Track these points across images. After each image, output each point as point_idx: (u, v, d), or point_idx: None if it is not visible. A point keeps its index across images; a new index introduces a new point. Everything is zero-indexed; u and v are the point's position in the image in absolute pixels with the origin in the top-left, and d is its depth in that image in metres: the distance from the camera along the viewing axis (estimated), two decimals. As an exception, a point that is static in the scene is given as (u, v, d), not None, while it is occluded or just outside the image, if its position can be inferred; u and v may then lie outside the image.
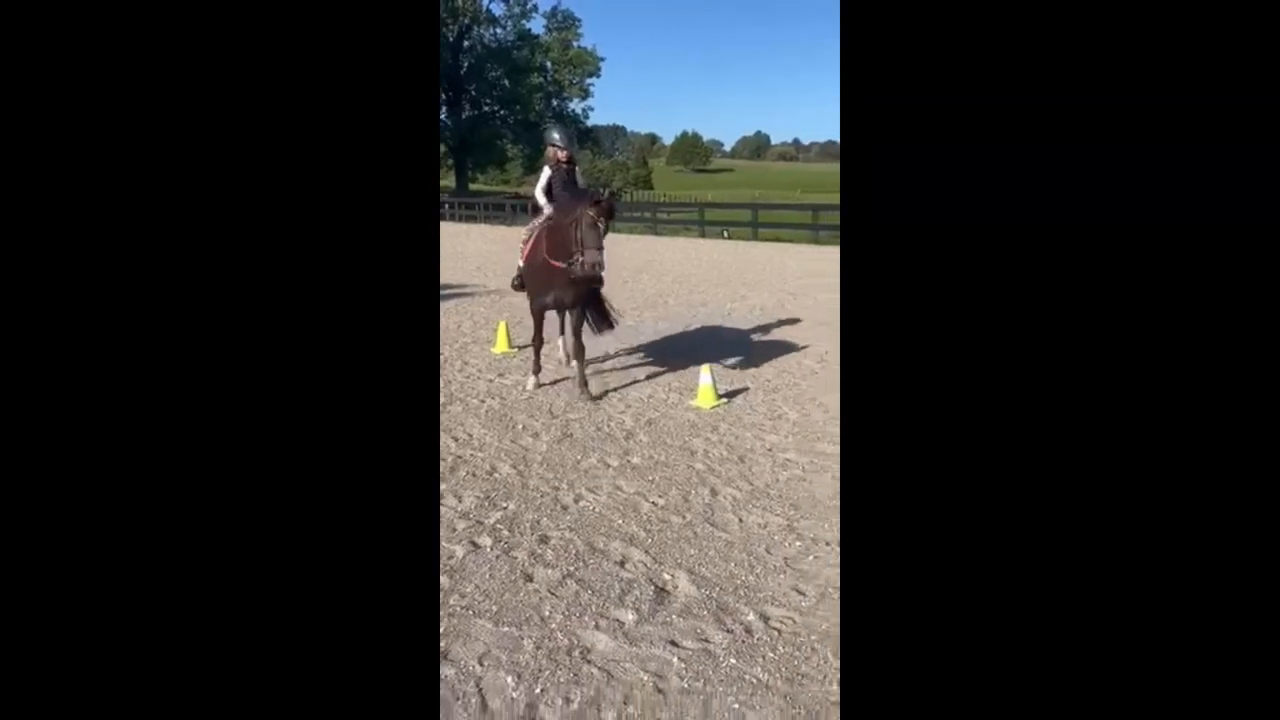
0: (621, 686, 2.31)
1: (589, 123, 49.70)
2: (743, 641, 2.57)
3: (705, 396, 5.26)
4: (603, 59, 53.32)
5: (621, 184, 46.31)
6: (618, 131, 55.39)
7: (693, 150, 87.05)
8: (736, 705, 2.24)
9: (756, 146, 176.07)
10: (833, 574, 3.00)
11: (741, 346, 7.22)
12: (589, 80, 51.90)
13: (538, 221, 5.56)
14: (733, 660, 2.46)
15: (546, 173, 5.67)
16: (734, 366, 6.42)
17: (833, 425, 4.65)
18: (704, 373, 5.36)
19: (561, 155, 5.65)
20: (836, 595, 2.86)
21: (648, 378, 6.14)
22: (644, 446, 4.49)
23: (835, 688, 2.32)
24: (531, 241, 5.50)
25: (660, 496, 3.78)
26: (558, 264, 5.03)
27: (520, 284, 5.89)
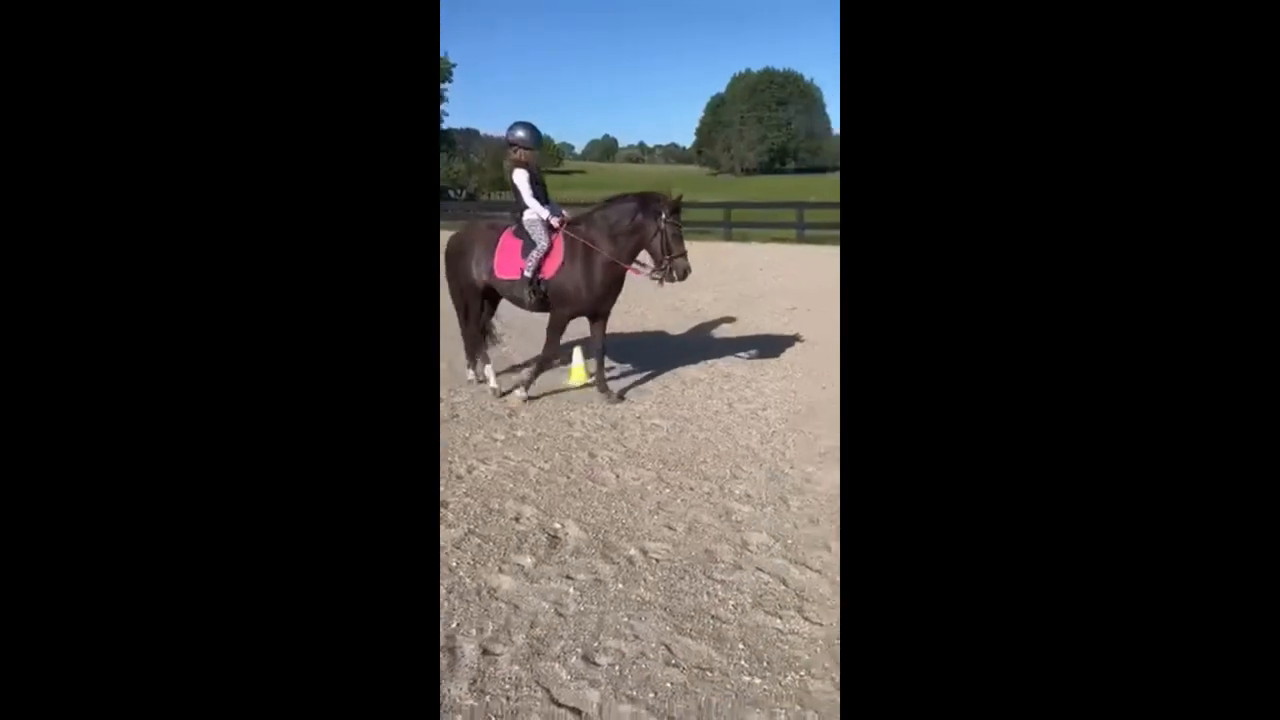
0: (527, 615, 2.58)
1: (443, 126, 48.65)
2: (627, 571, 2.91)
3: (577, 375, 5.57)
4: (454, 64, 52.36)
5: (478, 185, 45.47)
6: (472, 134, 54.28)
7: (546, 152, 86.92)
8: (625, 618, 2.58)
9: (605, 149, 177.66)
10: (698, 513, 3.40)
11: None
12: (442, 85, 50.66)
13: (538, 226, 4.82)
14: (620, 585, 2.80)
15: (524, 175, 4.89)
16: (749, 357, 6.40)
17: (690, 391, 5.09)
18: (576, 353, 5.66)
19: (529, 156, 4.96)
20: (703, 529, 3.26)
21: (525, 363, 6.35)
22: (526, 422, 4.74)
23: (705, 598, 2.71)
24: (558, 252, 4.80)
25: (545, 462, 4.06)
26: (634, 269, 4.83)
27: (541, 300, 4.92)
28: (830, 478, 3.81)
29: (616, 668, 2.30)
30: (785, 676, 2.28)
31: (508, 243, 4.99)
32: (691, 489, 3.69)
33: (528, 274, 4.79)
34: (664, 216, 4.64)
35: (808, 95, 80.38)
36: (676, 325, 7.94)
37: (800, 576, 2.87)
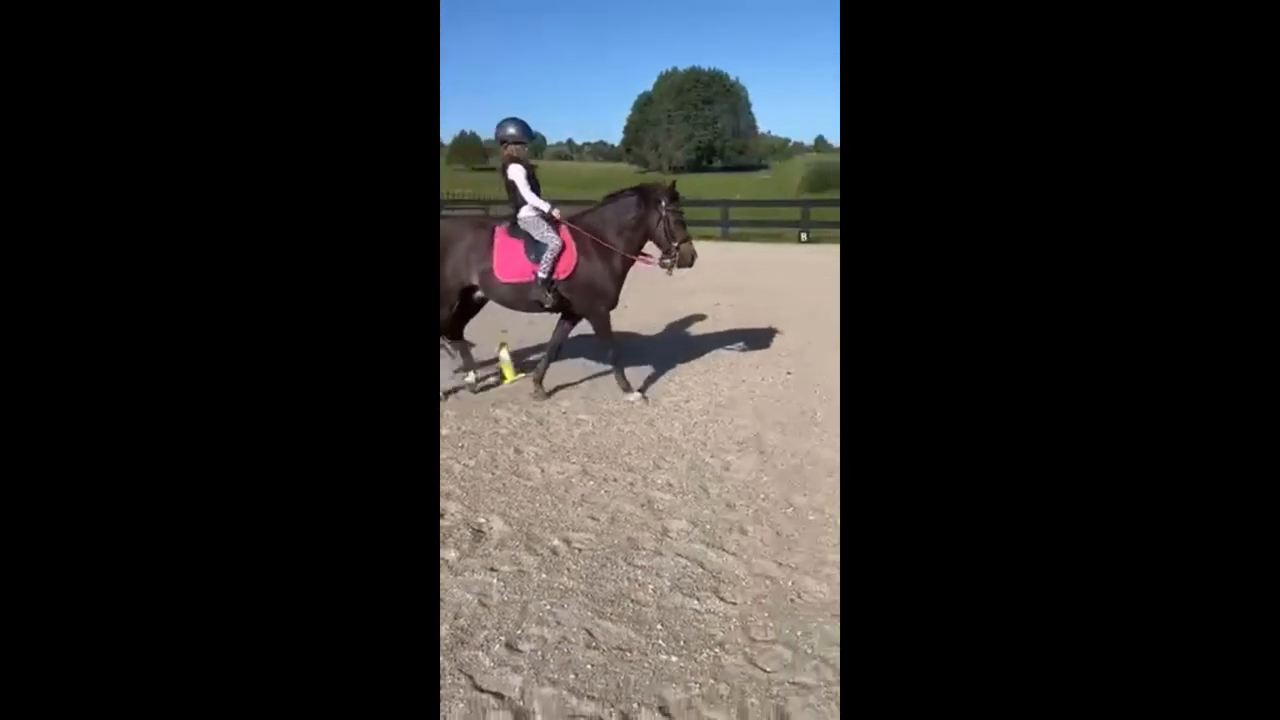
0: (451, 606, 2.61)
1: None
2: (550, 561, 2.96)
3: (506, 372, 5.57)
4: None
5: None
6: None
7: (471, 149, 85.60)
8: (548, 606, 2.63)
9: (533, 147, 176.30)
10: (621, 504, 3.48)
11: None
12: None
13: (543, 226, 4.66)
14: (543, 575, 2.85)
15: (522, 170, 4.73)
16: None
17: (615, 386, 5.16)
18: (502, 351, 5.66)
19: (521, 151, 4.83)
20: (625, 518, 3.34)
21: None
22: (450, 420, 4.73)
23: (626, 583, 2.79)
24: (571, 251, 4.67)
25: (471, 459, 4.07)
26: (643, 259, 4.78)
27: (558, 301, 4.78)
28: (747, 464, 3.95)
29: (539, 653, 2.36)
30: (701, 653, 2.38)
31: (504, 242, 4.70)
32: (615, 480, 3.76)
33: (543, 275, 4.56)
34: (664, 204, 4.63)
35: (733, 94, 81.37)
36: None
37: (717, 559, 2.98)
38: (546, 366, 5.15)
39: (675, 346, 6.75)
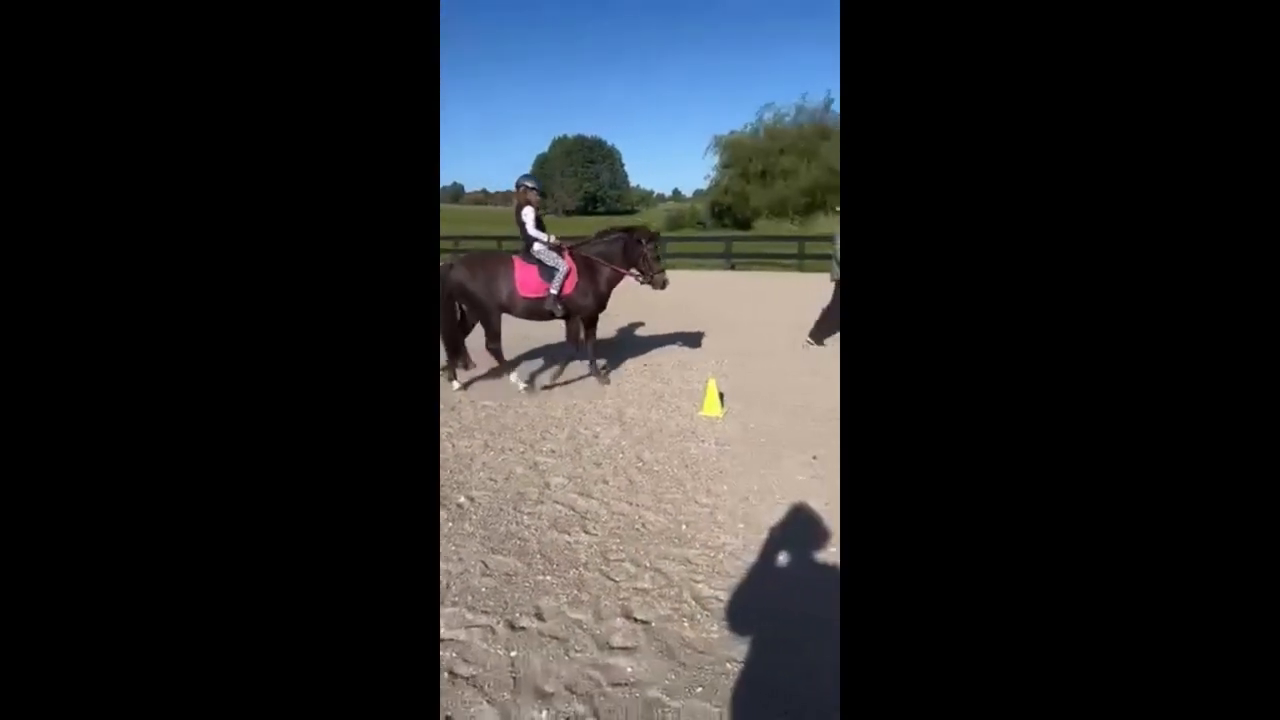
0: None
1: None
2: (456, 513, 2.94)
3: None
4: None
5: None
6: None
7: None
8: (453, 548, 2.62)
9: (454, 194, 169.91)
10: (514, 467, 3.49)
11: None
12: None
13: (553, 254, 4.85)
14: (450, 524, 2.83)
15: (532, 212, 4.89)
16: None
17: (516, 376, 5.12)
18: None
19: (535, 197, 5.02)
20: (517, 478, 3.35)
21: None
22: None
23: (515, 526, 2.82)
24: (574, 273, 4.86)
25: (394, 439, 3.94)
26: (628, 272, 5.01)
27: (568, 311, 4.97)
28: (611, 433, 4.05)
29: (445, 583, 2.35)
30: (569, 572, 2.45)
31: (522, 268, 4.85)
32: (510, 450, 3.77)
33: (554, 292, 4.80)
34: (644, 243, 4.89)
35: (610, 156, 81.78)
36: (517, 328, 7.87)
37: (584, 504, 3.05)
38: (593, 357, 5.29)
39: (568, 345, 6.76)
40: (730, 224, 30.24)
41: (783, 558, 2.56)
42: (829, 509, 2.93)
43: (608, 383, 5.15)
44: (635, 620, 2.15)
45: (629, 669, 1.92)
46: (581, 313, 5.01)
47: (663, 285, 4.96)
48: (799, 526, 2.79)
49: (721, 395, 4.50)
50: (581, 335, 5.19)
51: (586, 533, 2.77)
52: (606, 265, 4.97)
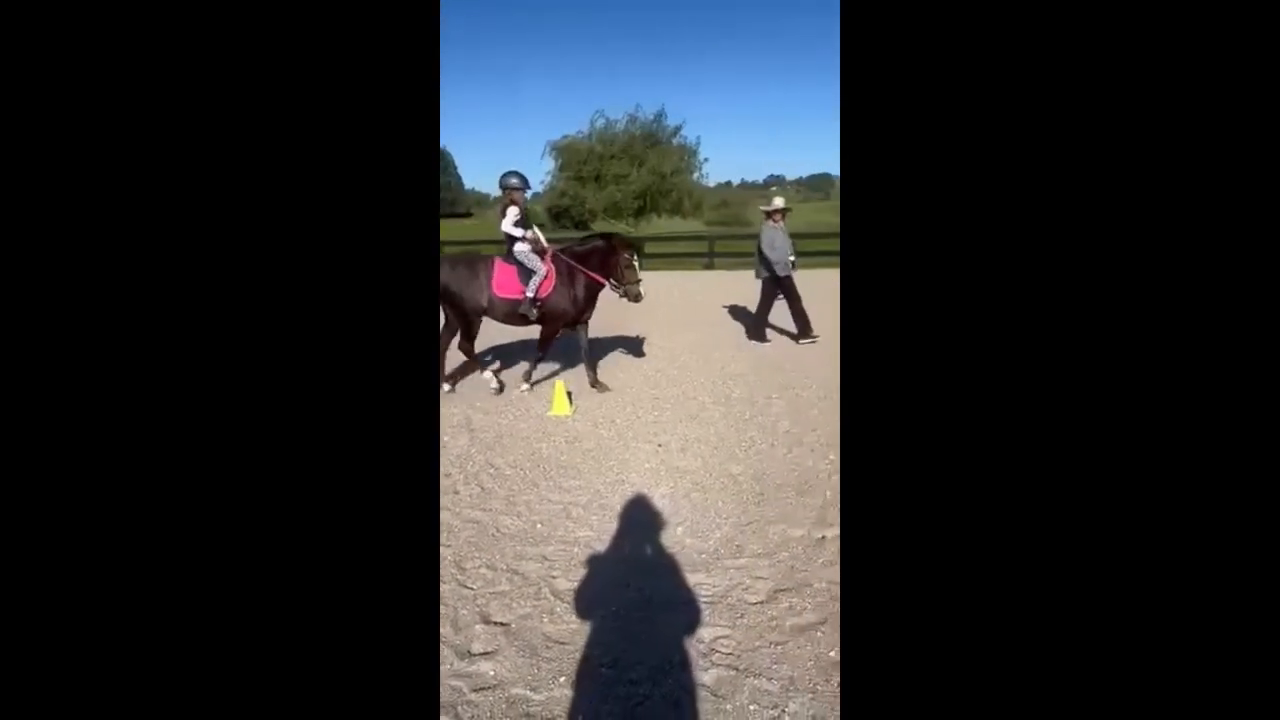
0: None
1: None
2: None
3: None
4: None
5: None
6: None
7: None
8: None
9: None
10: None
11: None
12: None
13: (534, 256, 4.63)
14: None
15: (516, 211, 4.62)
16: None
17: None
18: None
19: (519, 196, 4.71)
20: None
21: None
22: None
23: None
24: (551, 277, 4.65)
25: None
26: (603, 280, 4.73)
27: (540, 314, 4.71)
28: (460, 441, 3.93)
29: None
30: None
31: (501, 268, 4.67)
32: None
33: (530, 295, 4.60)
34: (621, 252, 4.69)
35: (444, 159, 78.74)
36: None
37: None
38: (589, 370, 5.03)
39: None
40: (570, 225, 30.49)
41: (629, 544, 2.70)
42: (674, 492, 3.14)
43: (607, 389, 4.90)
44: (494, 624, 2.15)
45: (491, 672, 1.93)
46: (561, 318, 4.77)
47: (636, 298, 4.73)
48: (645, 512, 2.96)
49: (570, 394, 4.57)
50: (546, 343, 4.96)
51: (442, 545, 2.69)
52: (585, 272, 4.76)
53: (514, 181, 4.78)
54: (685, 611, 2.18)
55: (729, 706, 1.76)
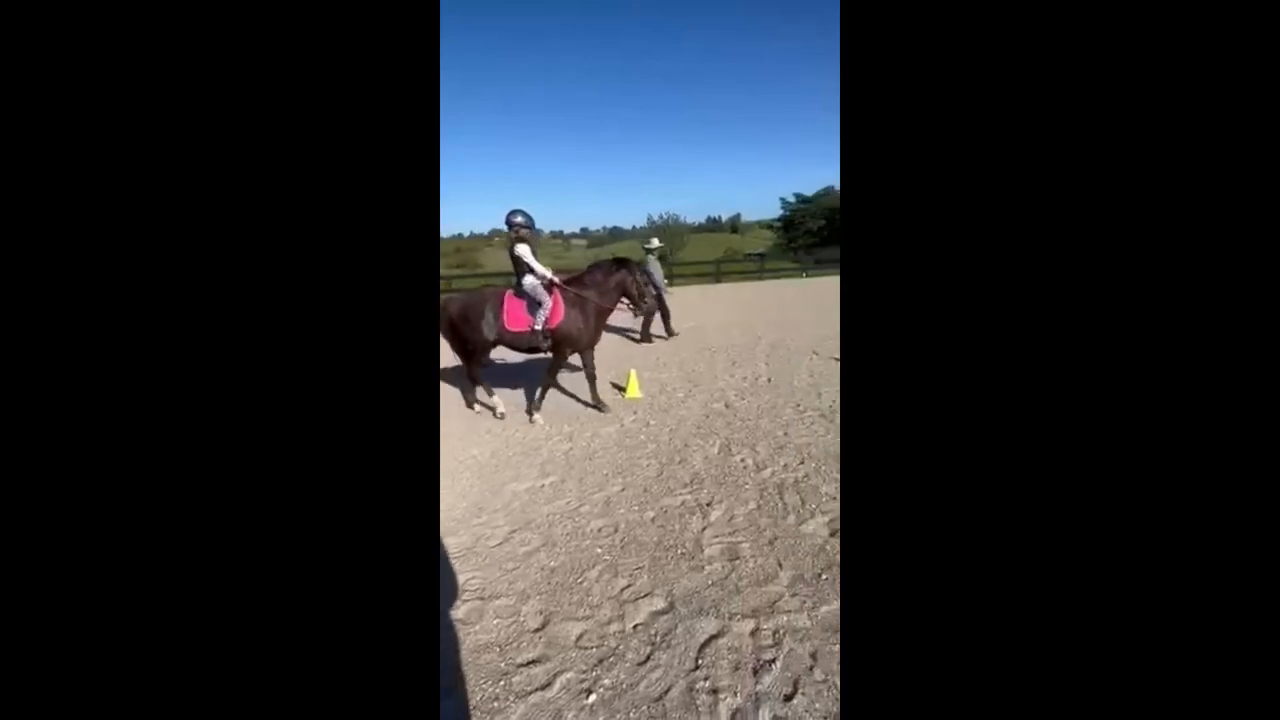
0: None
1: None
2: None
3: None
4: None
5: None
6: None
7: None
8: None
9: None
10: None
11: None
12: None
13: (539, 288, 4.69)
14: None
15: (527, 248, 4.71)
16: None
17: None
18: None
19: (529, 234, 4.78)
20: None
21: None
22: None
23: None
24: (560, 305, 4.72)
25: None
26: (619, 303, 4.87)
27: (557, 343, 4.75)
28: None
29: None
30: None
31: (511, 302, 4.76)
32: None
33: (538, 326, 4.68)
34: (632, 273, 4.82)
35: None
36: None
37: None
38: (592, 391, 5.02)
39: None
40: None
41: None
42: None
43: (607, 409, 4.96)
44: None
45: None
46: (574, 345, 4.81)
47: (651, 314, 5.38)
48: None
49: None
50: (555, 371, 4.93)
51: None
52: (595, 298, 4.78)
53: (520, 220, 4.83)
54: (442, 565, 2.57)
55: (478, 628, 2.18)
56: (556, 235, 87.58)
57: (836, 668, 1.83)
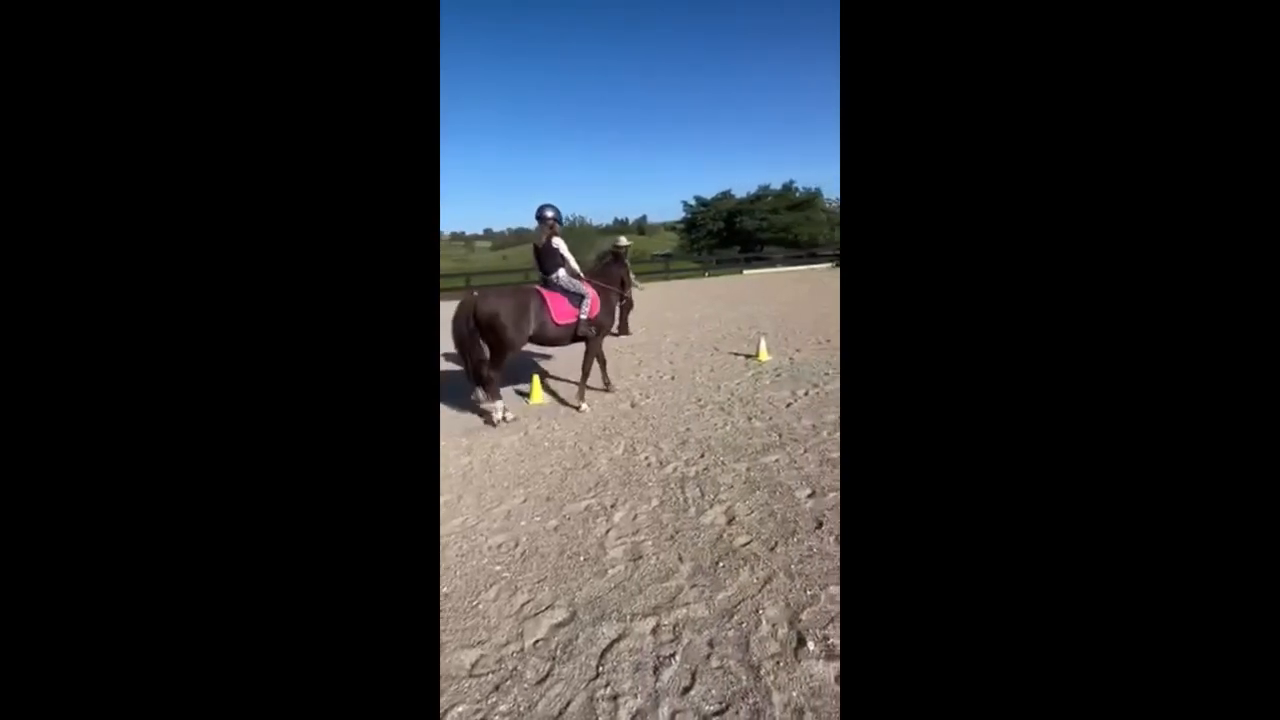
0: None
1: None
2: None
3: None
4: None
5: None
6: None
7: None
8: None
9: None
10: None
11: None
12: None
13: (575, 281, 4.73)
14: None
15: (562, 242, 4.66)
16: None
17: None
18: None
19: (559, 228, 4.74)
20: None
21: None
22: None
23: None
24: (597, 295, 4.83)
25: None
26: (620, 291, 5.07)
27: (597, 330, 4.85)
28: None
29: None
30: None
31: (552, 297, 4.65)
32: None
33: (584, 317, 4.73)
34: (623, 262, 5.06)
35: None
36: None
37: None
38: (604, 375, 5.30)
39: None
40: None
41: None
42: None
43: (614, 390, 5.25)
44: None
45: None
46: (604, 332, 4.99)
47: (630, 308, 5.41)
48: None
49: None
50: (591, 359, 4.99)
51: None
52: (608, 287, 5.00)
53: (552, 214, 4.73)
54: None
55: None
56: (458, 237, 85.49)
57: (732, 651, 1.86)
